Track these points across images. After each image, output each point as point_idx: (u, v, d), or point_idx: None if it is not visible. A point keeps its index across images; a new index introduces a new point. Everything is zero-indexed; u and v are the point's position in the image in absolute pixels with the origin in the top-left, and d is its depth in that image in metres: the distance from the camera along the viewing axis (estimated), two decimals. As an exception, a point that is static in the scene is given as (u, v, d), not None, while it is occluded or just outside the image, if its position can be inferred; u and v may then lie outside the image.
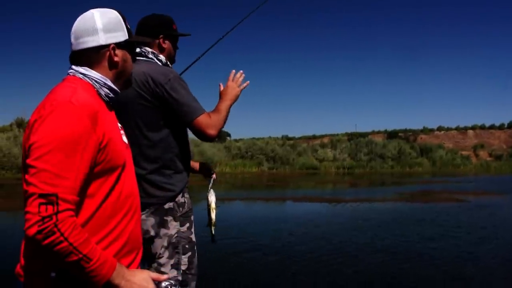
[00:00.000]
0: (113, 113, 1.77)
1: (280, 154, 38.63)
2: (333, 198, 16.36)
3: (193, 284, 2.84)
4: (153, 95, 2.64)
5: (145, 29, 2.84)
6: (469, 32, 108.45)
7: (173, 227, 2.70)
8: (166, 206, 2.69)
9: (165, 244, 2.66)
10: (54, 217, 1.40)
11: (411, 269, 6.35)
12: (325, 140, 55.81)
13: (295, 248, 7.73)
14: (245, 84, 2.95)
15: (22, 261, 1.59)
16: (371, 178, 29.99)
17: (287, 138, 55.34)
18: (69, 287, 1.52)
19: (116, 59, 1.74)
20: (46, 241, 1.40)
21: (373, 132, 69.25)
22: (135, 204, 1.75)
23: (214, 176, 3.16)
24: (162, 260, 2.66)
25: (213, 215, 2.98)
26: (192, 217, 2.88)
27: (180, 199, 2.77)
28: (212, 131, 2.69)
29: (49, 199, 1.41)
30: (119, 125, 1.79)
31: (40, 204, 1.40)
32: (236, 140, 45.84)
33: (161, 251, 2.66)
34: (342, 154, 42.90)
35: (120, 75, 1.79)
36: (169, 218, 2.69)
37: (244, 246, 7.76)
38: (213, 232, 3.01)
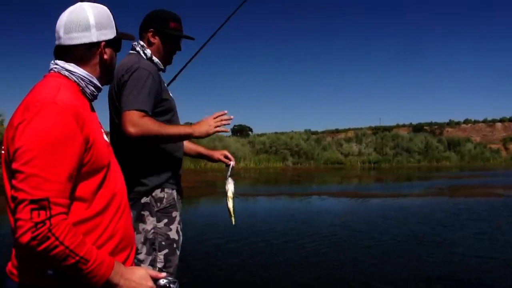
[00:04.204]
0: (95, 113, 1.73)
1: (305, 149, 38.37)
2: (362, 193, 15.92)
3: None
4: (118, 85, 2.61)
5: (143, 20, 2.84)
6: (496, 21, 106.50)
7: (150, 223, 2.65)
8: (142, 200, 2.64)
9: (142, 239, 2.63)
10: (47, 222, 1.37)
11: (450, 274, 5.91)
12: (349, 134, 55.28)
13: (320, 247, 7.38)
14: (220, 129, 2.70)
15: (15, 261, 1.55)
16: (398, 173, 29.49)
17: (310, 132, 54.89)
18: (67, 283, 1.49)
19: (105, 56, 1.72)
20: (41, 247, 1.36)
21: (397, 126, 68.60)
22: (123, 201, 1.74)
23: (232, 163, 3.03)
24: (141, 256, 2.62)
25: (230, 204, 2.85)
26: (173, 214, 2.74)
27: (158, 193, 2.68)
28: (132, 129, 2.44)
29: (41, 204, 1.38)
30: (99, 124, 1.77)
31: (32, 210, 1.37)
32: (259, 135, 45.58)
33: (139, 247, 2.62)
34: (368, 148, 42.42)
35: (106, 72, 1.76)
36: (146, 213, 2.65)
37: (264, 243, 7.49)
38: (233, 222, 2.85)
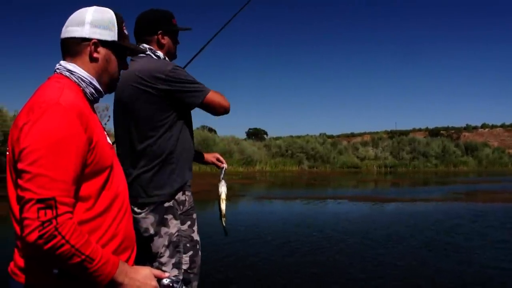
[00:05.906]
0: (95, 115, 1.74)
1: (321, 153, 38.25)
2: (378, 197, 15.82)
3: (195, 283, 2.81)
4: (154, 89, 2.60)
5: (143, 24, 2.81)
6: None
7: (174, 226, 2.68)
8: (166, 204, 2.67)
9: (166, 243, 2.64)
10: (54, 221, 1.40)
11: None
12: (365, 137, 55.00)
13: (332, 252, 7.35)
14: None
15: (19, 261, 1.57)
16: (415, 177, 29.22)
17: (326, 136, 54.72)
18: (72, 282, 1.51)
19: (95, 55, 1.71)
20: (48, 246, 1.39)
21: (413, 130, 68.18)
22: (125, 203, 1.76)
23: (225, 166, 3.09)
24: (163, 259, 2.64)
25: (222, 206, 2.91)
26: (194, 215, 2.83)
27: (180, 197, 2.73)
28: (227, 103, 2.78)
29: (48, 203, 1.40)
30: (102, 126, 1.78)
31: (39, 209, 1.39)
32: (275, 138, 45.55)
33: (162, 250, 2.64)
34: (384, 152, 42.14)
35: (103, 74, 1.75)
36: (169, 217, 2.67)
37: (275, 247, 7.47)
38: (224, 224, 2.93)
